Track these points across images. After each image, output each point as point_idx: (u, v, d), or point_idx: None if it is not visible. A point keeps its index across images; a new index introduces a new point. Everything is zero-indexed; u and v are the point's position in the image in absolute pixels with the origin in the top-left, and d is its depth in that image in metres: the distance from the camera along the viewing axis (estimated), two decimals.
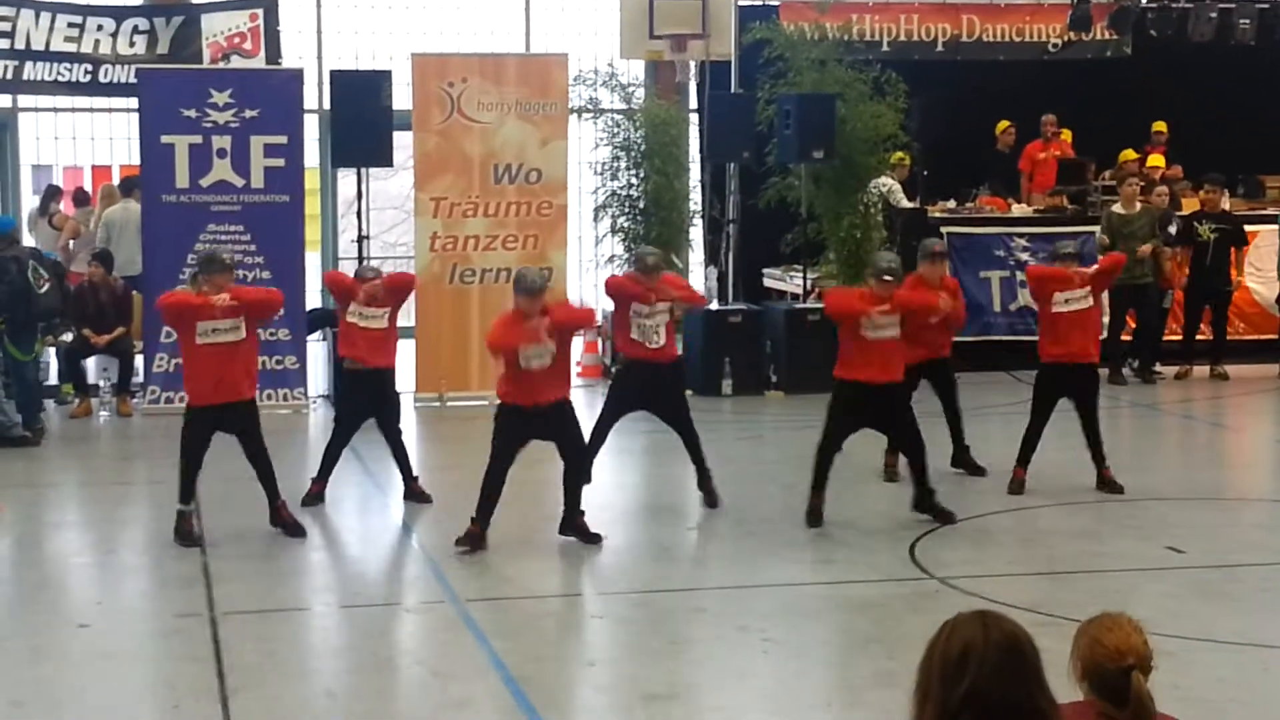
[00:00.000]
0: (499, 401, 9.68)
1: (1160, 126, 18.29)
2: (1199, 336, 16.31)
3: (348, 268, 16.87)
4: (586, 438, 10.22)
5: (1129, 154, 18.04)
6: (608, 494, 10.63)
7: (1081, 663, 3.82)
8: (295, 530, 9.84)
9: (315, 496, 10.58)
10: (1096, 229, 16.47)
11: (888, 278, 9.88)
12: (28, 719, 6.71)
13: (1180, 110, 18.25)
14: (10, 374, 13.07)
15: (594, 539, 9.59)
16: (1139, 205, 15.85)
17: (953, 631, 3.30)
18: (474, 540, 9.39)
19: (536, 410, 9.44)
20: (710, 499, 10.53)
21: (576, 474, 9.72)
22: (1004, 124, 18.19)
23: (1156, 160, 17.90)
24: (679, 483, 10.97)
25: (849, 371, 9.98)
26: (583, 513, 9.66)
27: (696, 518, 10.47)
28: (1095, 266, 11.43)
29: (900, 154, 16.74)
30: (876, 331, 9.81)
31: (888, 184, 16.64)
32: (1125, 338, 16.00)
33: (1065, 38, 18.88)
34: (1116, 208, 15.99)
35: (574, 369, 15.62)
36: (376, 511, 10.95)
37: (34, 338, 13.42)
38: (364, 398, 10.76)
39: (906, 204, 16.83)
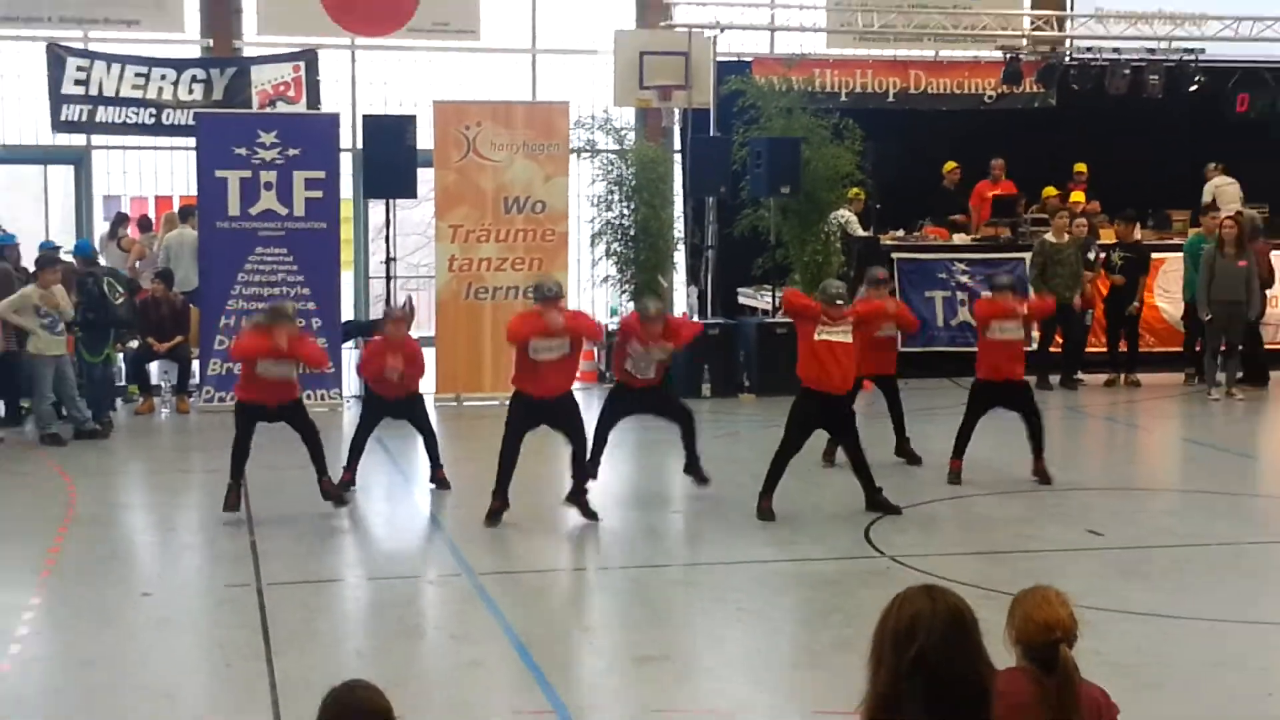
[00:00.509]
0: (514, 390, 9.70)
1: (1081, 167, 18.31)
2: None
3: (377, 286, 16.92)
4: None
5: (1052, 191, 18.07)
6: (604, 483, 10.58)
7: (1015, 633, 3.82)
8: (339, 500, 9.93)
9: (346, 483, 10.55)
10: (1027, 255, 16.52)
11: (839, 301, 9.83)
12: (96, 677, 6.67)
13: (1098, 153, 18.26)
14: (83, 374, 13.08)
15: (592, 516, 9.61)
16: (1067, 236, 15.89)
17: (903, 604, 3.28)
18: (497, 515, 9.46)
19: (544, 401, 9.51)
20: (699, 476, 10.46)
21: (580, 456, 9.77)
22: (951, 165, 18.20)
23: (1078, 196, 17.92)
24: (665, 474, 10.97)
25: (809, 378, 9.93)
26: (586, 491, 9.69)
27: (680, 503, 10.46)
28: (1031, 303, 11.34)
29: (856, 190, 16.75)
30: (830, 334, 9.78)
31: (845, 216, 16.64)
32: (1053, 349, 16.05)
33: (999, 90, 18.90)
34: (1048, 237, 16.02)
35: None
36: (402, 497, 10.95)
37: (105, 343, 13.45)
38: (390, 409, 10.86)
39: (862, 233, 16.84)
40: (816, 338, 9.77)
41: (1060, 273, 15.50)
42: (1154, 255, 16.68)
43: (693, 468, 10.53)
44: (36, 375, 12.56)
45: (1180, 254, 16.59)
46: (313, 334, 14.37)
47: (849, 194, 16.64)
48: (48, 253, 13.72)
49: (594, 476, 10.02)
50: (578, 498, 9.68)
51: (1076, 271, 15.77)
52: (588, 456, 9.93)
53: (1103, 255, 16.39)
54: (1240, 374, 15.64)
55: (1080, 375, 16.11)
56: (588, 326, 10.38)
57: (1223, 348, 15.49)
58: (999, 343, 10.84)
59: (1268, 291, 16.24)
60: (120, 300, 13.44)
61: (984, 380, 11.02)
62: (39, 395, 12.65)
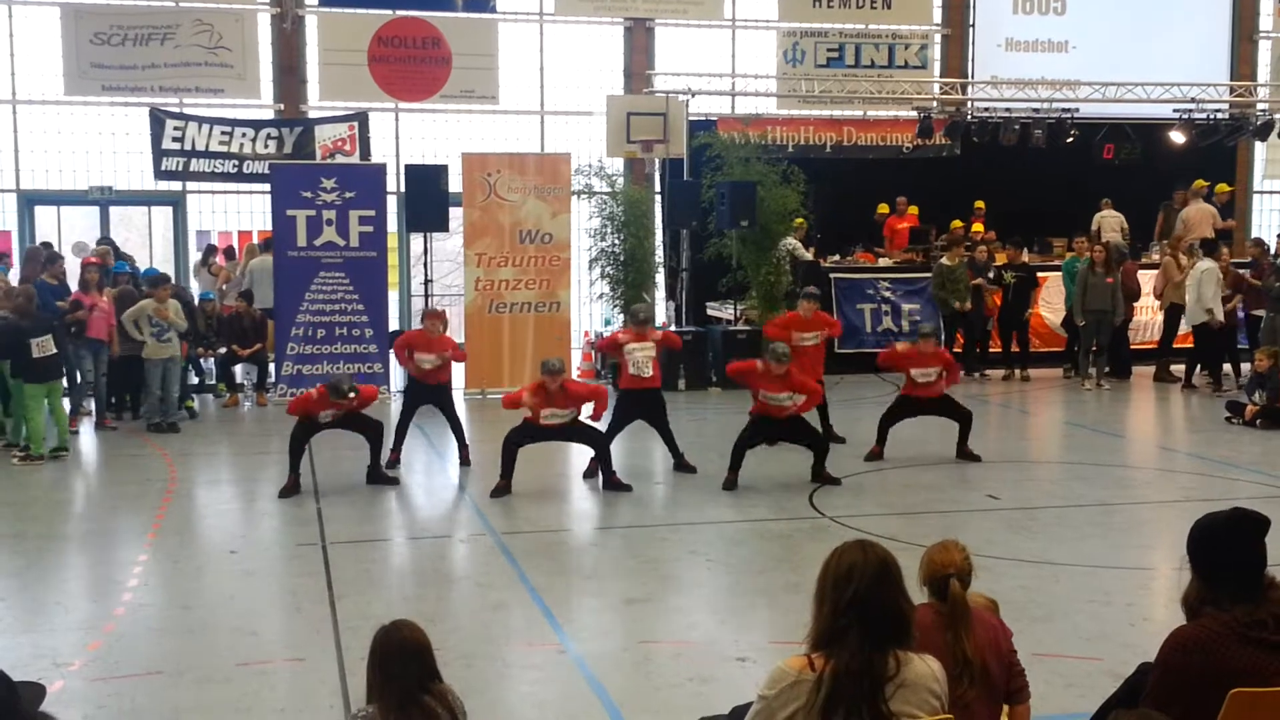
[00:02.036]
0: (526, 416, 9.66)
1: (980, 204, 18.37)
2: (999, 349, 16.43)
3: (417, 302, 16.89)
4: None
5: (957, 223, 18.08)
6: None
7: (923, 573, 3.85)
8: (389, 480, 9.97)
9: (394, 462, 10.54)
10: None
11: (782, 361, 9.64)
12: (193, 619, 6.65)
13: (994, 192, 18.32)
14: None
15: (625, 488, 9.67)
16: (958, 259, 15.98)
17: (841, 554, 3.30)
18: (501, 491, 9.46)
19: (548, 429, 9.61)
20: (687, 468, 10.41)
21: (600, 454, 9.83)
22: (884, 207, 18.29)
23: (978, 227, 17.99)
24: (650, 454, 10.94)
25: (758, 410, 9.87)
26: (614, 472, 9.77)
27: (661, 476, 10.44)
28: (945, 356, 11.13)
29: (800, 220, 16.78)
30: (771, 398, 9.70)
31: (792, 243, 16.66)
32: (957, 349, 16.08)
33: (915, 142, 18.96)
34: (944, 260, 16.08)
35: (574, 375, 15.69)
36: (437, 472, 10.90)
37: None
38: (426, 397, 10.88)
39: (807, 256, 16.85)
40: (760, 398, 9.75)
41: (954, 287, 15.82)
42: (1040, 274, 16.75)
43: (679, 463, 10.46)
44: (147, 375, 12.53)
45: (1059, 273, 16.66)
46: (365, 343, 14.44)
47: (794, 223, 16.67)
48: (160, 275, 13.67)
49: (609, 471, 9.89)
50: (610, 480, 9.75)
51: (966, 285, 15.88)
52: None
53: (999, 274, 16.44)
54: (1108, 369, 15.71)
55: (984, 370, 16.18)
56: (588, 390, 10.09)
57: (1094, 348, 15.55)
58: (920, 384, 10.81)
59: (1134, 303, 16.31)
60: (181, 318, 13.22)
61: (908, 395, 10.94)
62: (147, 391, 12.62)
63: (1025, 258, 16.90)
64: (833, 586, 3.22)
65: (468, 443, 10.88)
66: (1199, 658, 3.30)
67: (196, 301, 14.89)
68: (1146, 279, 16.62)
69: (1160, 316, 16.53)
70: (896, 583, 3.23)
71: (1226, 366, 15.60)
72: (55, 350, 11.32)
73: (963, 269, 15.94)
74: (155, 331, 12.46)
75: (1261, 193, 22.02)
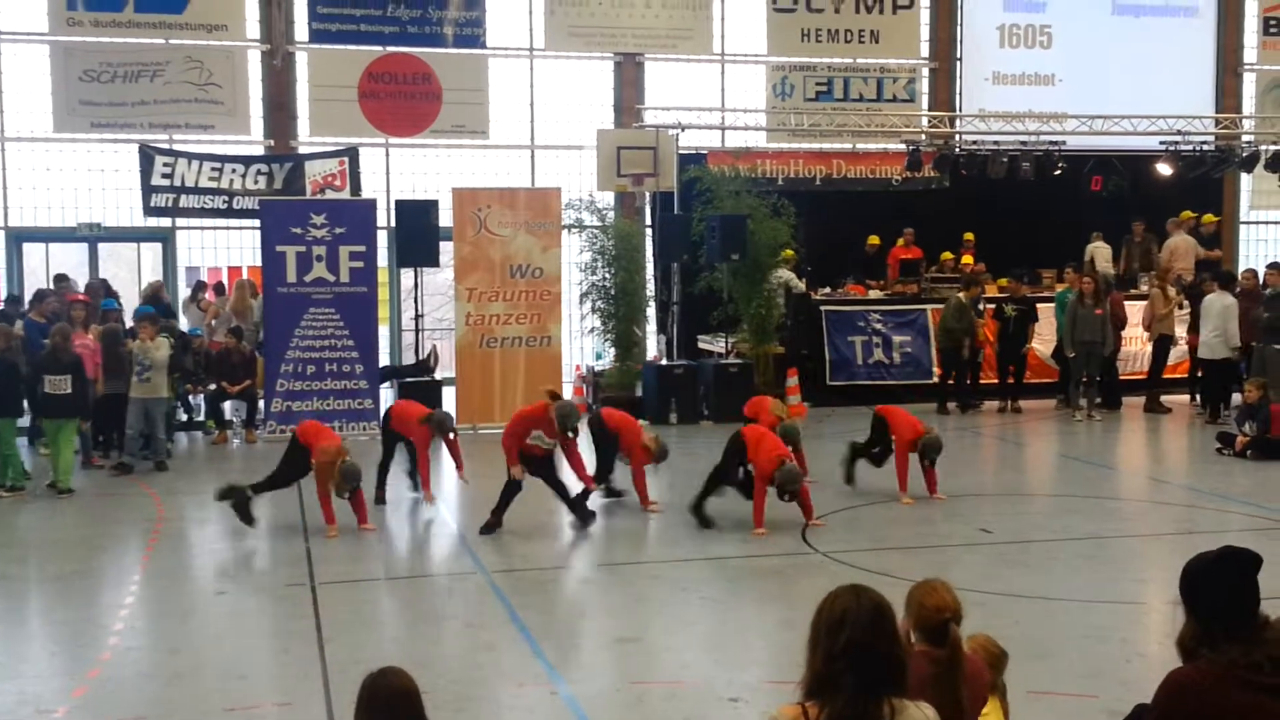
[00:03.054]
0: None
1: (969, 236, 18.44)
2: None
3: (408, 337, 16.84)
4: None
5: (948, 255, 18.16)
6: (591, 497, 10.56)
7: (913, 619, 3.79)
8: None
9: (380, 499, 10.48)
10: (928, 307, 16.60)
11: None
12: (182, 660, 6.59)
13: (983, 224, 18.40)
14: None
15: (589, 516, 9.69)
16: (974, 296, 16.09)
17: (835, 599, 3.25)
18: (492, 528, 9.40)
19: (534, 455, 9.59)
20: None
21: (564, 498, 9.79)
22: (874, 239, 18.33)
23: (967, 259, 18.04)
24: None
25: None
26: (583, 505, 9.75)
27: (650, 514, 10.36)
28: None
29: (789, 251, 16.80)
30: None
31: (786, 275, 16.70)
32: (950, 382, 16.10)
33: (904, 175, 19.02)
34: (961, 296, 16.04)
35: None
36: (425, 510, 10.79)
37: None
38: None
39: (800, 287, 16.87)
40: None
41: (966, 324, 15.86)
42: (1038, 306, 16.70)
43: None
44: (128, 413, 12.43)
45: (1050, 304, 16.69)
46: (355, 379, 14.36)
47: (784, 255, 16.69)
48: (147, 312, 13.55)
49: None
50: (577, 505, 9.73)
51: (974, 322, 15.89)
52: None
53: (990, 307, 16.46)
54: (1099, 399, 15.71)
55: (977, 402, 16.17)
56: (576, 458, 9.97)
57: (1084, 379, 15.56)
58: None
59: (1122, 332, 16.34)
60: (172, 356, 13.14)
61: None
62: (127, 428, 12.50)
63: (1024, 290, 16.93)
64: (826, 633, 3.17)
65: (462, 473, 10.79)
66: (1195, 702, 3.26)
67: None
68: (1134, 310, 16.66)
69: (1149, 348, 16.56)
70: (891, 629, 3.19)
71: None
72: (69, 390, 11.40)
73: (973, 304, 15.95)
74: (138, 370, 12.30)
75: (1248, 223, 22.13)
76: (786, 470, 9.15)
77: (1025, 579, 8.06)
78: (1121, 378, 16.58)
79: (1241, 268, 18.74)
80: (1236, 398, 14.51)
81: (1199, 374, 16.06)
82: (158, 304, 15.17)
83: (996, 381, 16.48)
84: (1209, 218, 18.53)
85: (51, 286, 15.22)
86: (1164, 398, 16.06)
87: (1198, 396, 16.08)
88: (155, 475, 12.07)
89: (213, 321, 15.90)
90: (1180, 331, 16.41)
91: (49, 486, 11.28)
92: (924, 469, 10.48)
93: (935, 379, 16.59)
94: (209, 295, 16.77)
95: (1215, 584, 3.46)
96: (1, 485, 11.17)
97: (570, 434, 9.44)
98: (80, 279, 16.51)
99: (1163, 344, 16.25)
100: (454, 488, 11.14)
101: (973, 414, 15.83)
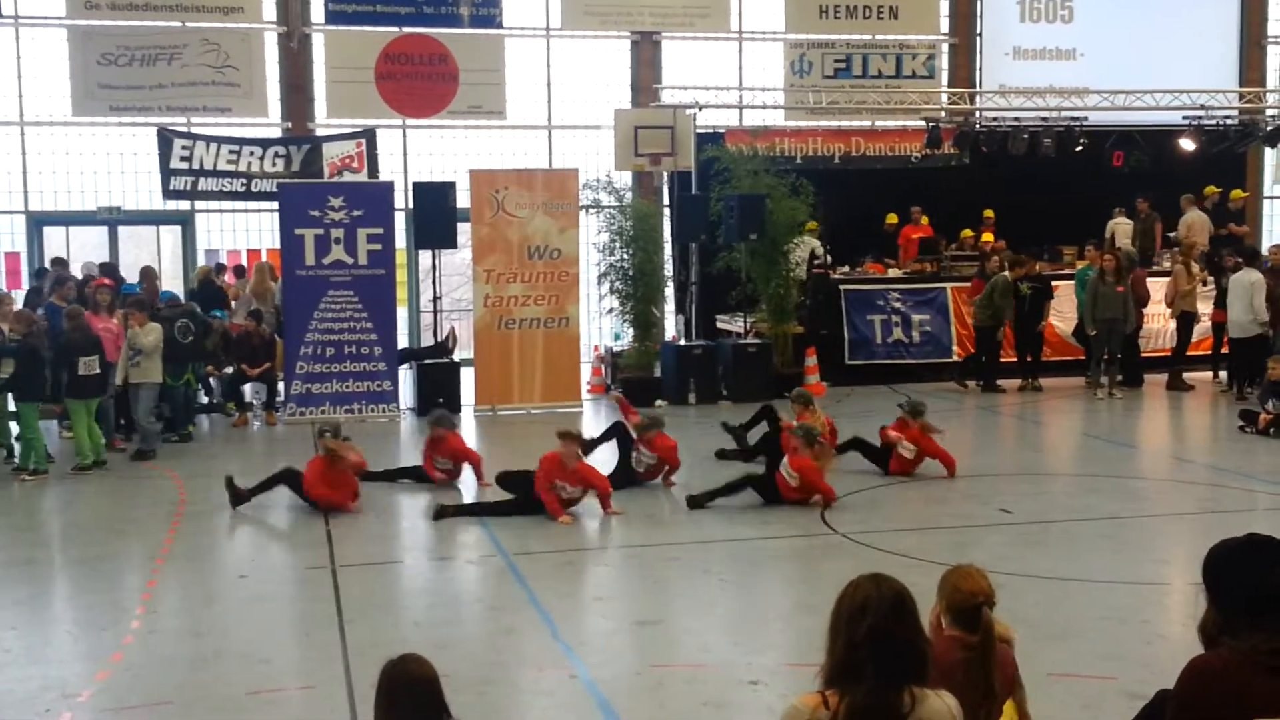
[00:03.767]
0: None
1: (989, 213, 18.32)
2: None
3: (426, 319, 16.88)
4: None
5: (967, 232, 18.06)
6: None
7: (946, 602, 3.80)
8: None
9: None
10: (948, 286, 16.52)
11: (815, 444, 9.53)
12: (205, 644, 6.63)
13: (1003, 201, 18.27)
14: (164, 397, 12.89)
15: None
16: (1018, 276, 16.05)
17: (856, 588, 3.25)
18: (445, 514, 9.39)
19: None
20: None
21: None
22: (892, 217, 18.26)
23: (987, 237, 17.93)
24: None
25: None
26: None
27: (671, 493, 10.39)
28: (926, 441, 10.74)
29: (813, 224, 16.75)
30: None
31: (813, 243, 16.66)
32: (983, 359, 16.04)
33: (923, 152, 18.91)
34: (1008, 274, 15.97)
35: (584, 390, 15.66)
36: (445, 494, 10.83)
37: (182, 370, 13.23)
38: None
39: (827, 258, 16.78)
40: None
41: (1007, 302, 15.83)
42: (1054, 283, 16.64)
43: None
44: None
45: (1071, 282, 16.59)
46: (374, 361, 14.39)
47: (808, 226, 16.61)
48: (134, 296, 13.23)
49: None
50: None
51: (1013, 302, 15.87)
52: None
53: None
54: (1120, 377, 15.63)
55: (999, 381, 16.11)
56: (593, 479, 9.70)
57: (1105, 357, 15.48)
58: (903, 458, 10.70)
59: (1144, 310, 16.24)
60: (190, 339, 13.23)
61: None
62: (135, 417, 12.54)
63: (1039, 268, 16.83)
64: (846, 621, 3.16)
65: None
66: (1218, 689, 3.24)
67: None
68: (1156, 287, 16.54)
69: (1172, 325, 16.45)
70: (912, 617, 3.18)
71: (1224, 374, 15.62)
72: (99, 370, 11.58)
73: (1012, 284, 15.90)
74: (129, 356, 12.19)
75: (1272, 198, 21.94)
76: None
77: (1045, 560, 8.02)
78: (1144, 355, 16.48)
79: (1266, 243, 18.60)
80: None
81: (1223, 350, 15.96)
82: (210, 288, 15.31)
83: (1015, 360, 16.41)
84: (1237, 193, 18.38)
85: (50, 269, 15.35)
86: (1186, 375, 15.96)
87: (1222, 374, 15.98)
88: (179, 458, 12.13)
89: (233, 304, 15.96)
90: (1204, 308, 16.30)
91: (78, 469, 11.37)
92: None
93: (956, 357, 16.55)
94: (229, 278, 16.83)
95: (1239, 572, 3.43)
96: (24, 469, 11.27)
97: (580, 456, 9.39)
98: (96, 264, 16.57)
99: (1186, 321, 16.14)
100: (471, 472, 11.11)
101: (994, 394, 15.74)
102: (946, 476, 10.57)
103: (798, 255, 16.48)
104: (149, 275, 15.23)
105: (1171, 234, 17.94)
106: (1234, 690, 3.23)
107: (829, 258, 17.05)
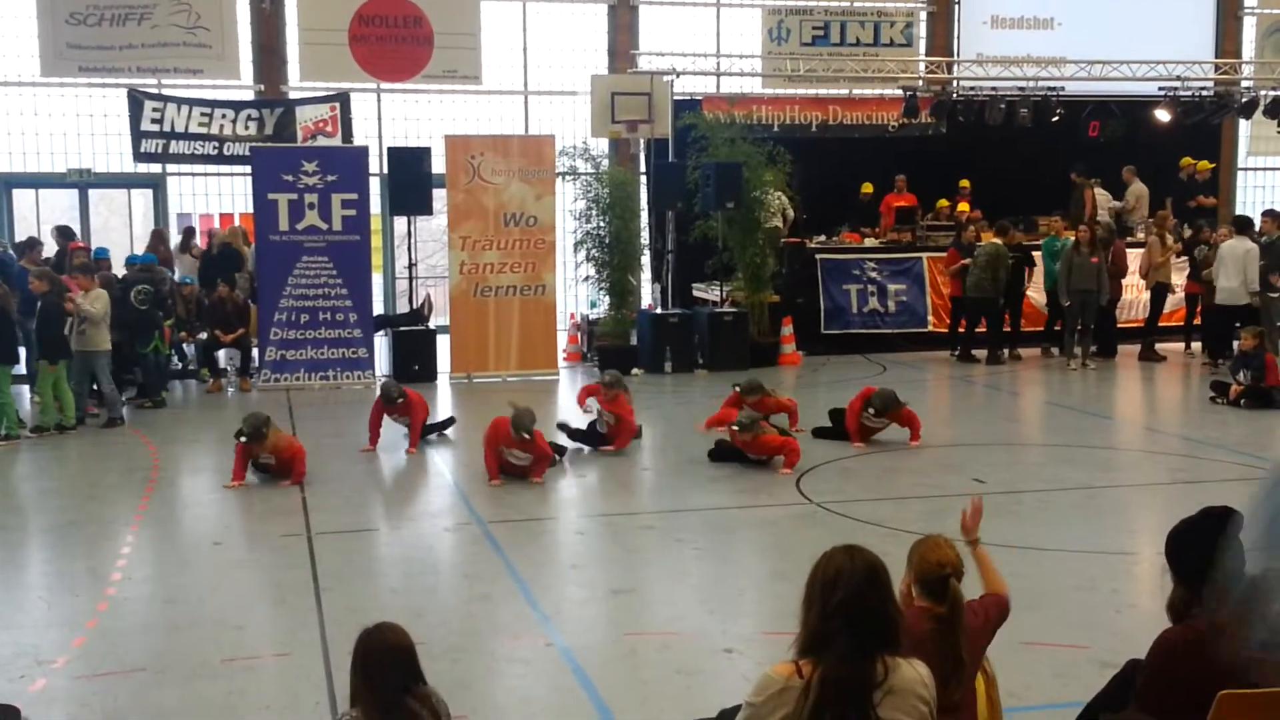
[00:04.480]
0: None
1: (965, 183, 18.33)
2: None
3: (401, 285, 16.81)
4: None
5: (943, 202, 18.09)
6: (587, 450, 10.62)
7: (914, 572, 3.86)
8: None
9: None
10: (924, 255, 16.56)
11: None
12: (180, 611, 6.62)
13: (979, 170, 18.28)
14: (136, 363, 12.87)
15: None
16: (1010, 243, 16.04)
17: (829, 560, 3.29)
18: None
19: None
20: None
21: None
22: (868, 186, 18.26)
23: (963, 206, 17.97)
24: (633, 443, 10.90)
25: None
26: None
27: (646, 462, 10.44)
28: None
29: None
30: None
31: (782, 199, 16.66)
32: (979, 330, 16.08)
33: (900, 121, 18.90)
34: (999, 241, 15.94)
35: (560, 358, 15.64)
36: (421, 461, 10.82)
37: (150, 337, 13.11)
38: None
39: (795, 215, 16.73)
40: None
41: (996, 272, 15.72)
42: (1035, 253, 16.63)
43: None
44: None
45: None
46: (349, 328, 14.34)
47: (766, 178, 16.42)
48: (87, 261, 12.90)
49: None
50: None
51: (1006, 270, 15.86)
52: None
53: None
54: (1094, 348, 15.74)
55: (974, 353, 16.19)
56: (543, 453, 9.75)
57: (1079, 328, 15.58)
58: (867, 427, 10.77)
59: (1122, 281, 16.33)
60: (145, 307, 13.04)
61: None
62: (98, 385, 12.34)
63: (1019, 238, 16.88)
64: (820, 591, 3.21)
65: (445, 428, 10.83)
66: (1186, 661, 3.31)
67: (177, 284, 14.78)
68: (1134, 257, 16.63)
69: (1145, 295, 16.57)
70: (884, 588, 3.23)
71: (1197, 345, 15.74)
72: (69, 332, 11.62)
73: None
74: (77, 323, 11.84)
75: (1245, 169, 22.07)
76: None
77: (1017, 529, 8.08)
78: (1119, 325, 16.59)
79: (1237, 214, 18.69)
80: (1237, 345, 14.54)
81: (1195, 322, 16.09)
82: (228, 250, 15.21)
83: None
84: (1204, 164, 18.47)
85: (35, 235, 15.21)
86: (1158, 346, 16.09)
87: (1195, 345, 16.11)
88: (153, 424, 12.07)
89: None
90: (1177, 279, 16.41)
91: (37, 430, 11.44)
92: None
93: (931, 327, 16.62)
94: (200, 242, 16.69)
95: (1198, 546, 3.50)
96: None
97: (525, 436, 9.39)
98: (74, 226, 16.42)
99: (1159, 292, 16.25)
100: (444, 440, 11.11)
101: (995, 365, 15.73)
102: (911, 445, 10.65)
103: (772, 207, 16.43)
104: (161, 238, 15.24)
105: (1118, 202, 18.04)
106: (1202, 663, 3.30)
107: (802, 214, 17.03)
